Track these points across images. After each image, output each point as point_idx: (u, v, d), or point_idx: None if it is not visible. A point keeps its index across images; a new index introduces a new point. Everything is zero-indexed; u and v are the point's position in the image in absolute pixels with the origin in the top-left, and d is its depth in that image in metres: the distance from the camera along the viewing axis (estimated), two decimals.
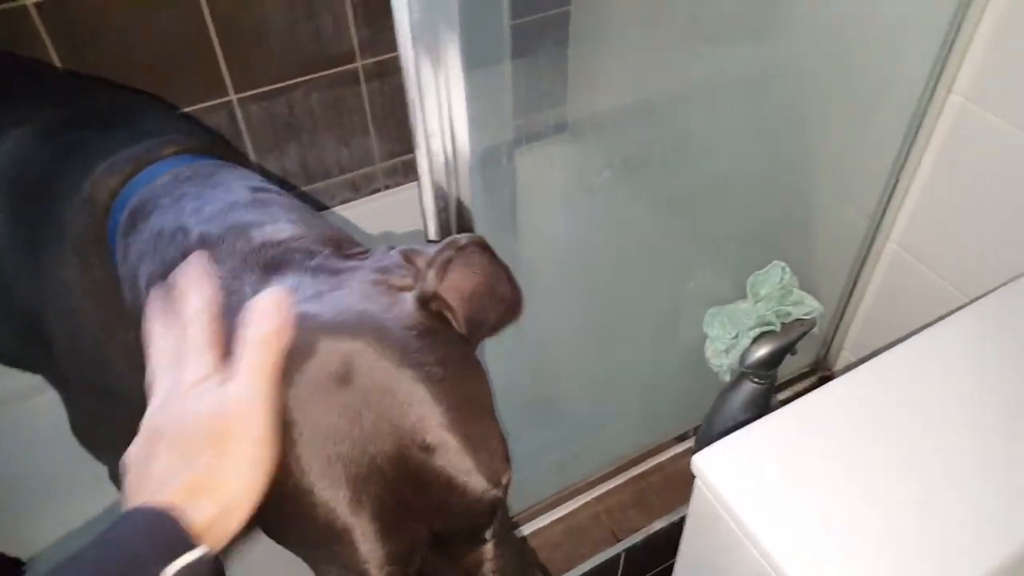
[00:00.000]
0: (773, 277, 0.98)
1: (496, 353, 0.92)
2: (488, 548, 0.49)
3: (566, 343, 1.05)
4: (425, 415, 0.43)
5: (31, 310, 0.70)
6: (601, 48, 1.22)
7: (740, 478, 0.67)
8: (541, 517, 1.16)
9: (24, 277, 0.69)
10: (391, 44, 1.56)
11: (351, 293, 0.47)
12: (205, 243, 0.52)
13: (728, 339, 0.99)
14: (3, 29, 1.08)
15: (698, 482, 0.70)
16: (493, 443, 0.46)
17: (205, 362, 0.43)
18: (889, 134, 1.01)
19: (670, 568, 1.27)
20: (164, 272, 0.51)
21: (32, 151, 0.70)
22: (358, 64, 1.48)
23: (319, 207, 1.56)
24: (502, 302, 0.54)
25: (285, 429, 0.42)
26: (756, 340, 0.98)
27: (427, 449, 0.43)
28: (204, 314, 0.45)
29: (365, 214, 1.57)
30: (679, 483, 1.22)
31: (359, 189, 1.64)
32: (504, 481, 0.46)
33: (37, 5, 1.10)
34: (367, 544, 0.43)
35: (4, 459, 1.31)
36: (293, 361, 0.43)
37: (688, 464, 1.25)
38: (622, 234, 1.05)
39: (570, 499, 1.17)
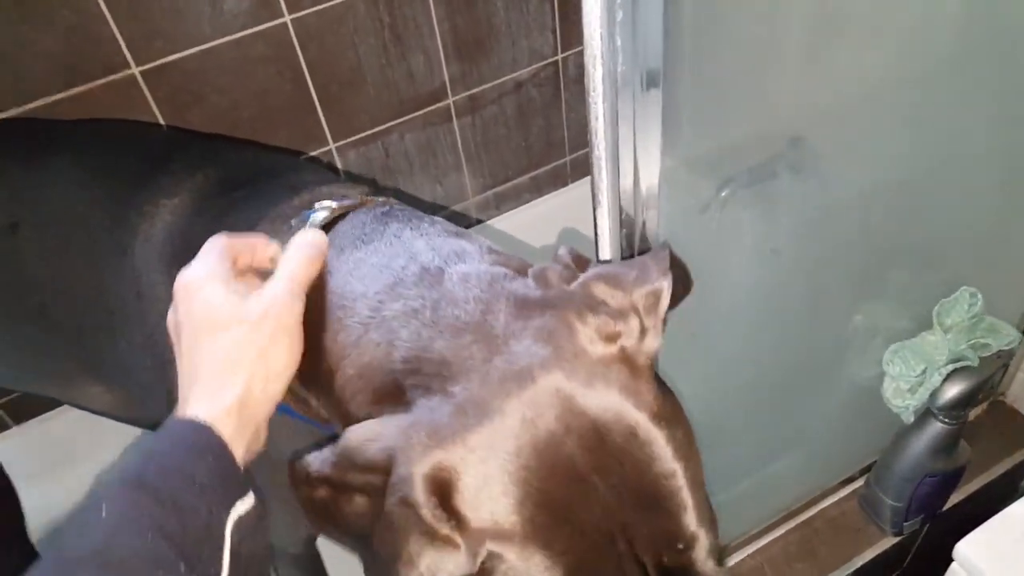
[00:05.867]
0: (961, 305, 0.88)
1: None
2: None
3: (726, 385, 0.97)
4: (684, 516, 0.42)
5: None
6: (706, 57, 1.14)
7: (1006, 566, 0.58)
8: None
9: None
10: (481, 77, 1.54)
11: (588, 360, 0.43)
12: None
13: (913, 377, 0.89)
14: (113, 98, 1.08)
15: (956, 567, 0.61)
16: (716, 523, 0.45)
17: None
18: None
19: None
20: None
21: (190, 218, 0.69)
22: (449, 100, 1.46)
23: None
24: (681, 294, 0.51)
25: (548, 518, 0.39)
26: (948, 377, 0.88)
27: (683, 548, 0.42)
28: None
29: None
30: (846, 530, 1.12)
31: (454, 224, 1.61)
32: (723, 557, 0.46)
33: (143, 73, 1.10)
34: None
35: None
36: (549, 441, 0.40)
37: (855, 507, 1.16)
38: (771, 261, 0.97)
39: (732, 553, 1.09)
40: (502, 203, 1.69)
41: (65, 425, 1.26)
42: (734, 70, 1.01)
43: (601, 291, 0.45)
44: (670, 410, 0.44)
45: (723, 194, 1.11)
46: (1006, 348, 0.88)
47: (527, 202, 1.67)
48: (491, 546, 0.38)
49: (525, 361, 0.41)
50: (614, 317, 0.43)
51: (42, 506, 1.09)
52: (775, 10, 0.91)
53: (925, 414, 0.94)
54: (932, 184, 0.92)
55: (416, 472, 0.38)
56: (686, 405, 0.93)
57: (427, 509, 0.38)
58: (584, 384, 0.41)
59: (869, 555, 1.08)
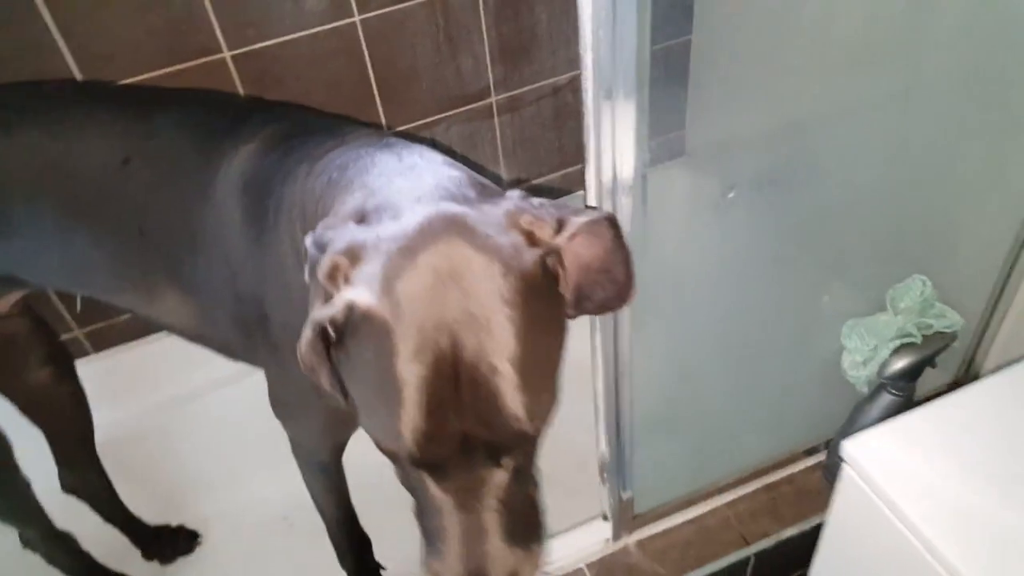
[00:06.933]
0: (913, 290, 1.01)
1: (637, 361, 1.00)
2: (499, 473, 0.56)
3: (700, 354, 1.11)
4: (503, 346, 0.52)
5: (254, 295, 0.84)
6: (723, 74, 1.28)
7: (892, 465, 0.71)
8: (673, 516, 1.21)
9: (251, 264, 0.83)
10: (522, 80, 1.69)
11: (492, 220, 0.55)
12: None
13: (867, 351, 1.02)
14: (205, 77, 1.27)
15: (847, 469, 0.74)
16: (545, 396, 0.55)
17: None
18: None
19: None
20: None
21: (259, 159, 0.85)
22: (492, 99, 1.61)
23: None
24: (614, 283, 0.59)
25: (399, 289, 0.53)
26: (896, 352, 1.01)
27: (492, 369, 0.52)
28: None
29: None
30: (810, 495, 1.24)
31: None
32: (538, 427, 0.55)
33: (233, 57, 1.29)
34: (410, 410, 0.51)
35: (189, 446, 1.50)
36: (426, 243, 0.53)
37: (818, 477, 1.28)
38: (753, 250, 1.10)
39: (701, 502, 1.22)
40: (537, 196, 1.82)
41: (136, 358, 1.48)
42: (744, 82, 1.15)
43: (537, 202, 0.59)
44: (546, 289, 0.55)
45: (730, 195, 1.25)
46: (947, 330, 1.00)
47: (556, 198, 1.82)
48: (353, 303, 0.53)
49: (448, 210, 0.56)
50: (539, 217, 0.56)
51: (106, 425, 1.29)
52: (781, 30, 1.05)
53: (877, 387, 1.07)
54: (898, 184, 1.05)
55: (327, 257, 0.56)
56: (663, 378, 1.06)
57: (326, 280, 0.55)
58: (482, 235, 0.54)
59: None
